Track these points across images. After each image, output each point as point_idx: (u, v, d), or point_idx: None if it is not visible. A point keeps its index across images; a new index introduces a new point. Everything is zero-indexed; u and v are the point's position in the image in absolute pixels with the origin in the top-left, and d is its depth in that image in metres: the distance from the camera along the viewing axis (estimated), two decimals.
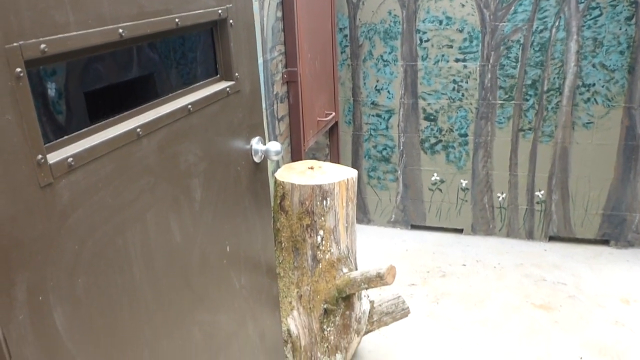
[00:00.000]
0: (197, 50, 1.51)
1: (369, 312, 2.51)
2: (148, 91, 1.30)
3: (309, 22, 2.79)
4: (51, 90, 1.03)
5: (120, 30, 1.07)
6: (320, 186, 2.24)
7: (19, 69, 0.86)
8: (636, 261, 3.55)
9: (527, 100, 3.51)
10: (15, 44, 0.85)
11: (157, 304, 1.27)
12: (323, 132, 3.21)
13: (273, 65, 2.58)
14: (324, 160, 3.68)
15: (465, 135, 3.68)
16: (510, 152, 3.66)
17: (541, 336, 2.87)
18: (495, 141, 3.65)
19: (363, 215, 4.07)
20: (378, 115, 3.76)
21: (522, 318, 3.02)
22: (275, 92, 2.60)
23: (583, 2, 3.26)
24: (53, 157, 0.94)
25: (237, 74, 1.52)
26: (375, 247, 3.78)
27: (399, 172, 3.88)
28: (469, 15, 3.42)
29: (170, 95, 1.29)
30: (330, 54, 3.25)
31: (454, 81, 3.57)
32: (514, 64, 3.45)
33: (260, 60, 2.43)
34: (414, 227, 4.03)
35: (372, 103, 3.74)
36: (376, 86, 3.69)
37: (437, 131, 3.72)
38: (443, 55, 3.52)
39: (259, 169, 1.72)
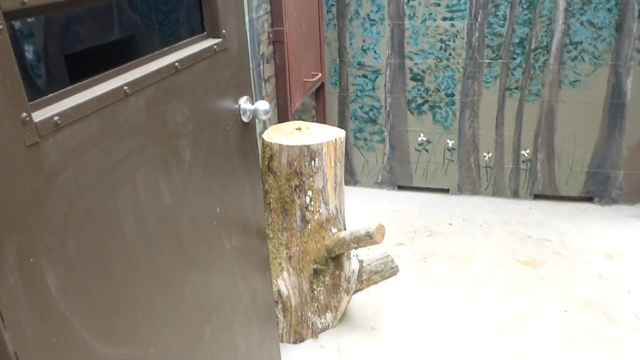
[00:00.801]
0: (183, 7, 1.46)
1: (358, 272, 2.53)
2: (135, 48, 1.26)
3: None
4: (33, 50, 0.99)
5: None
6: (308, 147, 2.22)
7: None
8: (619, 217, 3.61)
9: (515, 59, 3.49)
10: None
11: (149, 264, 1.26)
12: (309, 93, 3.18)
13: (259, 24, 2.52)
14: (311, 121, 3.65)
15: (452, 95, 3.67)
16: (497, 112, 3.66)
17: (526, 291, 2.92)
18: (482, 101, 3.64)
19: (350, 176, 4.07)
20: (364, 76, 3.72)
21: (507, 274, 3.07)
22: (261, 53, 2.55)
23: None
24: (38, 116, 0.91)
25: (224, 31, 1.48)
26: (363, 208, 3.79)
27: (386, 133, 3.87)
28: None
29: (157, 52, 1.26)
30: (316, 13, 3.19)
31: (441, 40, 3.53)
32: (502, 22, 3.42)
33: (246, 19, 2.37)
34: (401, 187, 4.04)
35: (359, 64, 3.69)
36: (363, 46, 3.64)
37: (423, 91, 3.69)
38: (430, 14, 3.47)
39: (248, 129, 1.70)
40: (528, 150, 3.73)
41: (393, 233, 3.51)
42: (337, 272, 2.45)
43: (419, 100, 3.72)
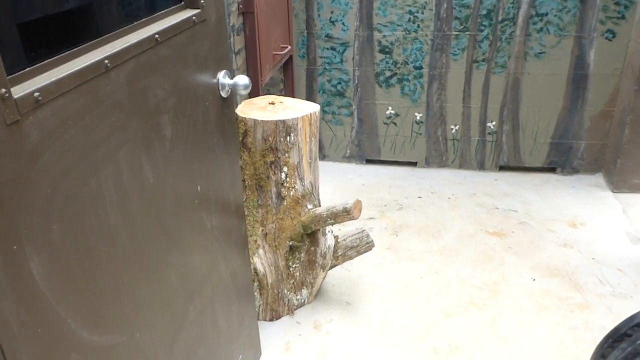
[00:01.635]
0: None
1: (334, 247, 2.52)
2: (110, 20, 1.18)
3: None
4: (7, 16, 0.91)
5: None
6: (284, 121, 2.17)
7: None
8: (581, 187, 3.71)
9: (482, 31, 3.50)
10: None
11: (133, 248, 1.21)
12: (279, 66, 3.10)
13: None
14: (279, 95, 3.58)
15: (420, 67, 3.66)
16: (464, 84, 3.67)
17: (495, 261, 2.98)
18: (449, 73, 3.65)
19: (318, 151, 4.03)
20: (333, 49, 3.66)
21: (477, 245, 3.12)
22: (231, 24, 2.46)
23: None
24: (18, 91, 0.84)
25: (202, 1, 1.41)
26: (332, 182, 3.77)
27: (354, 106, 3.84)
28: None
29: (136, 23, 1.18)
30: None
31: (410, 12, 3.50)
32: None
33: None
34: (369, 161, 4.04)
35: (327, 36, 3.63)
36: (331, 18, 3.57)
37: (392, 64, 3.67)
38: None
39: (226, 105, 1.64)
40: (494, 123, 3.77)
41: (363, 207, 3.50)
42: (312, 249, 2.43)
43: (387, 73, 3.70)
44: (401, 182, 3.81)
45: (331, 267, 2.57)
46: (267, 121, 2.15)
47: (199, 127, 1.48)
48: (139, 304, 1.25)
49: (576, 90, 3.59)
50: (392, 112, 3.82)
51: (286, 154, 2.22)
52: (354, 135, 3.94)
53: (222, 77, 1.56)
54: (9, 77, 0.83)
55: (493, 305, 2.66)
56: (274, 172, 2.24)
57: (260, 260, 2.34)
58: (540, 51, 3.52)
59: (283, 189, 2.28)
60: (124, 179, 1.15)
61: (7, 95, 0.80)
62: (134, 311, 1.23)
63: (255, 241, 2.32)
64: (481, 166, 3.92)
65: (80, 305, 1.04)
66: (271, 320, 2.52)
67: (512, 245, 3.11)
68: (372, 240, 2.53)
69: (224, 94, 1.59)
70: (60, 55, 0.95)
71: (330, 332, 2.49)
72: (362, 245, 2.52)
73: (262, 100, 2.37)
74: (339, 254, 2.53)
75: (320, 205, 2.47)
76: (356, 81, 3.75)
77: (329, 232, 2.51)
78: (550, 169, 3.88)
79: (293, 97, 3.51)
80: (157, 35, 1.20)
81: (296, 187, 2.30)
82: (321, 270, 2.51)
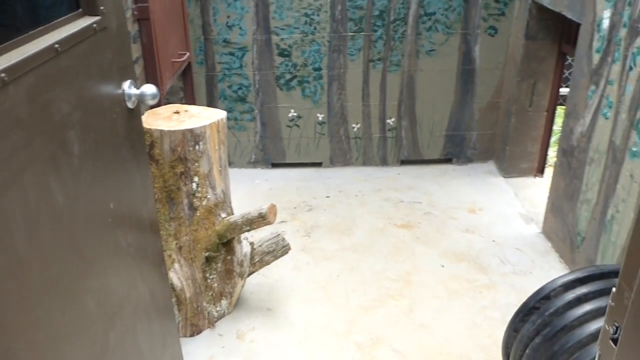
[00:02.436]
0: None
1: (251, 254, 2.49)
2: (3, 30, 1.08)
3: None
4: None
5: None
6: (191, 130, 2.11)
7: None
8: (476, 175, 3.94)
9: (376, 31, 3.61)
10: None
11: (45, 276, 1.11)
12: (178, 74, 3.01)
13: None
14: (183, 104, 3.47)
15: (320, 69, 3.70)
16: (363, 83, 3.77)
17: (406, 253, 3.09)
18: (348, 73, 3.73)
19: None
20: (231, 54, 3.61)
21: (387, 239, 3.22)
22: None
23: None
24: None
25: (102, 8, 1.33)
26: (239, 189, 3.72)
27: (256, 111, 3.81)
28: None
29: (32, 32, 1.09)
30: None
31: (306, 14, 3.53)
32: None
33: None
34: (275, 165, 4.03)
35: (224, 41, 3.57)
36: (227, 22, 3.52)
37: (291, 67, 3.68)
38: None
39: (134, 116, 1.56)
40: (393, 119, 3.90)
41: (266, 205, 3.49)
42: (229, 257, 2.38)
43: (288, 76, 3.71)
44: (308, 183, 3.84)
45: (249, 275, 2.53)
46: (174, 131, 2.08)
47: (107, 141, 1.39)
48: (56, 337, 1.16)
49: (465, 84, 3.81)
50: (295, 114, 3.84)
51: (196, 164, 2.16)
52: (258, 139, 3.91)
53: (128, 87, 1.48)
54: None
55: (408, 295, 2.76)
56: (185, 183, 2.16)
57: (177, 275, 2.26)
58: (430, 49, 3.69)
59: (195, 200, 2.21)
60: (31, 202, 1.05)
61: None
62: (50, 346, 1.14)
63: (170, 256, 2.24)
64: (384, 162, 4.04)
65: None
66: (192, 335, 2.44)
67: (419, 236, 3.24)
68: (288, 244, 2.53)
69: (130, 105, 1.51)
70: None
71: (254, 340, 2.46)
72: (278, 250, 2.51)
73: (167, 109, 2.28)
74: (256, 260, 2.50)
75: (233, 213, 2.43)
76: (257, 85, 3.72)
77: (244, 239, 2.47)
78: (447, 159, 4.09)
79: (194, 104, 3.42)
80: (57, 45, 1.12)
81: (208, 196, 2.24)
82: (239, 278, 2.47)
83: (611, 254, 2.47)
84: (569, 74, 4.67)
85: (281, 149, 3.96)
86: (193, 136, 2.12)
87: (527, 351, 1.84)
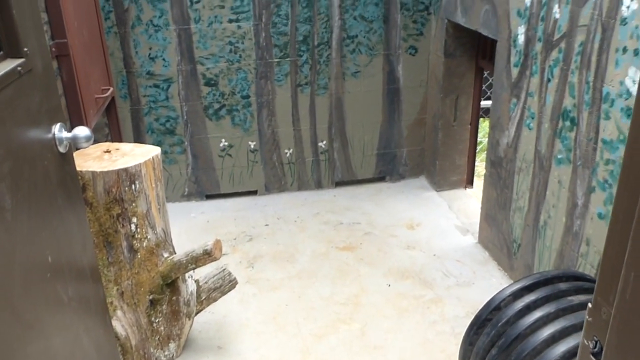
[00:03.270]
0: None
1: (197, 292, 2.39)
2: None
3: None
4: None
5: None
6: (126, 170, 2.01)
7: None
8: (410, 191, 4.02)
9: (301, 56, 3.63)
10: None
11: None
12: (102, 110, 2.88)
13: None
14: (105, 142, 3.32)
15: (248, 96, 3.67)
16: (292, 108, 3.77)
17: (352, 275, 3.08)
18: (276, 99, 3.72)
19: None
20: (156, 86, 3.51)
21: (331, 262, 3.20)
22: None
23: None
24: None
25: (26, 49, 1.24)
26: (175, 224, 3.59)
27: (186, 143, 3.72)
28: None
29: None
30: (96, 21, 2.89)
31: (230, 43, 3.50)
32: (285, 21, 3.51)
33: None
34: (209, 196, 3.93)
35: (148, 73, 3.47)
36: (150, 54, 3.42)
37: (219, 96, 3.63)
38: (216, 17, 3.41)
39: (66, 161, 1.46)
40: (324, 142, 3.92)
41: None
42: (174, 298, 2.28)
43: (216, 106, 3.65)
44: (245, 213, 3.78)
45: (197, 313, 2.43)
46: (107, 172, 1.97)
47: (41, 190, 1.29)
48: None
49: (392, 103, 3.90)
50: (226, 143, 3.78)
51: (133, 204, 2.06)
52: (190, 172, 3.81)
53: (58, 130, 1.39)
54: None
55: (359, 318, 2.74)
56: (123, 225, 2.06)
57: (120, 323, 2.13)
58: (356, 70, 3.75)
59: (135, 241, 2.10)
60: None
61: None
62: None
63: (111, 303, 2.11)
64: (319, 185, 4.05)
65: None
66: None
67: (363, 257, 3.25)
68: (235, 278, 2.45)
69: (62, 150, 1.41)
70: None
71: None
72: (225, 285, 2.43)
73: (96, 149, 2.17)
74: (203, 298, 2.41)
75: (175, 252, 2.33)
76: (185, 117, 3.64)
77: (189, 277, 2.38)
78: (380, 178, 4.15)
79: (120, 140, 3.28)
80: None
81: (149, 236, 2.14)
82: (187, 319, 2.36)
83: (547, 258, 2.58)
84: (486, 87, 4.90)
85: (215, 179, 3.87)
86: (128, 175, 2.02)
87: None
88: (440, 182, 3.94)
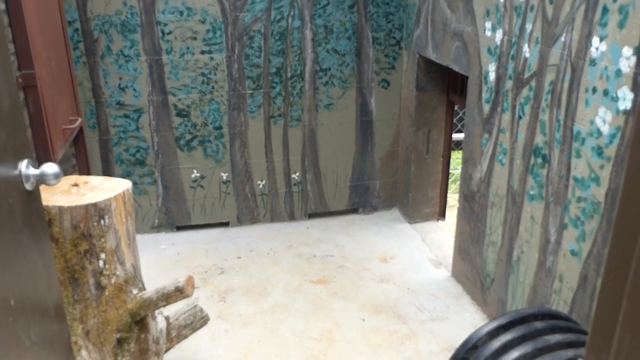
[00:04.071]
0: None
1: (167, 329, 2.31)
2: None
3: (38, 14, 2.38)
4: None
5: None
6: (95, 205, 1.95)
7: None
8: (383, 223, 4.01)
9: (274, 87, 3.63)
10: None
11: None
12: (70, 140, 2.81)
13: None
14: (72, 173, 3.24)
15: (220, 127, 3.64)
16: (265, 139, 3.75)
17: (326, 309, 3.04)
18: (249, 130, 3.70)
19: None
20: (126, 116, 3.45)
21: (305, 296, 3.15)
22: None
23: None
24: None
25: None
26: (145, 256, 3.50)
27: (157, 173, 3.65)
28: (210, 6, 3.35)
29: None
30: (64, 51, 2.84)
31: (203, 74, 3.48)
32: (258, 53, 3.52)
33: None
34: (180, 228, 3.86)
35: (118, 103, 3.41)
36: (120, 84, 3.37)
37: (191, 127, 3.59)
38: (188, 48, 3.40)
39: (33, 198, 1.40)
40: (297, 173, 3.90)
41: (183, 277, 3.31)
42: (143, 336, 2.19)
43: (188, 136, 3.61)
44: (217, 245, 3.71)
45: (167, 351, 2.35)
46: (75, 207, 1.91)
47: (5, 230, 1.23)
48: None
49: (364, 135, 3.91)
50: (198, 174, 3.73)
51: (102, 239, 1.99)
52: (161, 203, 3.73)
53: (25, 167, 1.34)
54: None
55: (332, 354, 2.69)
56: (90, 261, 1.98)
57: None
58: (329, 102, 3.77)
59: (103, 278, 2.03)
60: None
61: None
62: None
63: (76, 342, 2.02)
64: (292, 217, 4.01)
65: None
66: None
67: (337, 290, 3.21)
68: (207, 314, 2.39)
69: (29, 187, 1.36)
70: None
71: None
72: (196, 321, 2.36)
73: (63, 182, 2.10)
74: (173, 335, 2.33)
75: (145, 288, 2.26)
76: (156, 147, 3.58)
77: (159, 314, 2.30)
78: (353, 210, 4.14)
79: (89, 172, 3.20)
80: None
81: (117, 273, 2.07)
82: (156, 357, 2.28)
83: (521, 294, 2.58)
84: (457, 120, 4.98)
85: (186, 210, 3.81)
86: (97, 210, 1.96)
87: None
88: (413, 214, 3.95)
